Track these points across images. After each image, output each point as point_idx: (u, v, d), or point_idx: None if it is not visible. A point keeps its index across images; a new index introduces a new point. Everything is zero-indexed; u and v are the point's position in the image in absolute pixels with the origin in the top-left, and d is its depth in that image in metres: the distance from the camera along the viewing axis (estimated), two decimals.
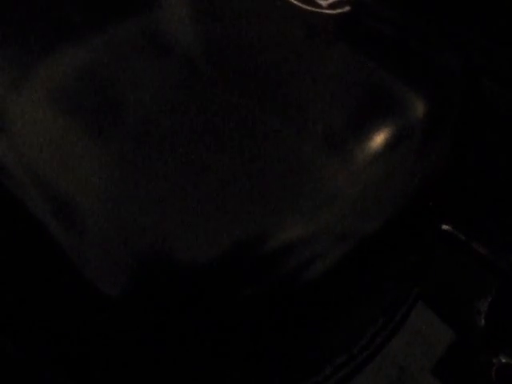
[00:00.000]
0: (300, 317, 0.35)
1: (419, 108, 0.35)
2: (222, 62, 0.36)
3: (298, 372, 0.39)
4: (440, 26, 0.37)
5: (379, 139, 0.34)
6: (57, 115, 0.33)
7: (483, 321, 0.48)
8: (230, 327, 0.33)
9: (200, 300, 0.32)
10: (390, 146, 0.35)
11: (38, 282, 0.34)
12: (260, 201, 0.32)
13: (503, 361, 0.45)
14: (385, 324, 0.41)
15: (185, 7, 0.38)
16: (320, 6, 0.35)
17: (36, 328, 0.36)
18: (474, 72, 0.37)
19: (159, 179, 0.32)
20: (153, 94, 0.34)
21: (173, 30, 0.37)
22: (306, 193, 0.33)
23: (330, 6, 0.35)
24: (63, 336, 0.35)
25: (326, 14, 0.35)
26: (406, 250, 0.39)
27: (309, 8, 0.35)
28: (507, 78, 0.36)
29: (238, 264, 0.32)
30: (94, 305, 0.32)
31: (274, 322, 0.34)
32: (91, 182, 0.32)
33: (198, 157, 0.33)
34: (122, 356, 0.34)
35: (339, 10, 0.35)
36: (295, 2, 0.35)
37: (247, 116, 0.34)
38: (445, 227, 0.46)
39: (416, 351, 0.43)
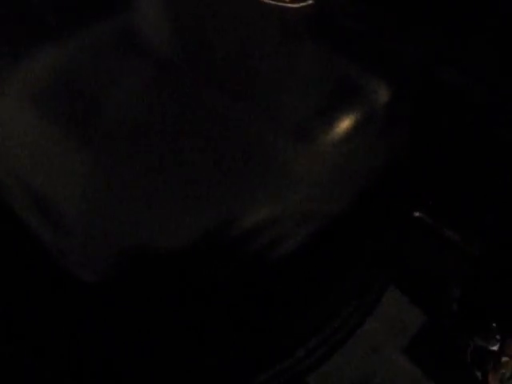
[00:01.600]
0: (270, 299, 0.36)
1: (381, 95, 0.37)
2: (193, 57, 0.37)
3: (271, 355, 0.40)
4: (400, 18, 0.39)
5: (342, 125, 0.36)
6: (35, 117, 0.34)
7: (456, 306, 0.49)
8: (200, 311, 0.34)
9: (173, 283, 0.33)
10: (352, 131, 0.36)
11: (17, 273, 0.35)
12: (227, 186, 0.34)
13: (478, 344, 0.46)
14: (357, 306, 0.42)
15: (158, 7, 0.40)
16: (283, 1, 0.37)
17: (16, 319, 0.37)
18: (432, 60, 0.39)
19: (134, 171, 0.33)
20: (129, 93, 0.35)
21: (147, 30, 0.38)
22: (272, 176, 0.34)
23: (293, 0, 0.37)
24: (43, 326, 0.36)
25: (289, 7, 0.37)
26: (374, 233, 0.40)
27: (272, 2, 0.37)
28: (463, 65, 0.37)
29: (208, 247, 0.33)
30: (73, 292, 0.33)
31: (244, 304, 0.35)
32: (69, 176, 0.33)
33: (170, 149, 0.34)
34: (104, 343, 0.35)
35: (302, 4, 0.37)
36: None
37: (216, 108, 0.35)
38: (417, 214, 0.47)
39: (388, 333, 0.44)
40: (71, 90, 0.35)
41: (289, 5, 0.36)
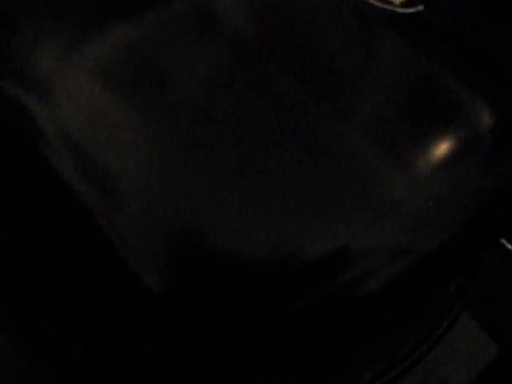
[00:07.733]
0: (347, 328, 0.34)
1: (488, 117, 0.33)
2: (273, 47, 0.34)
3: (338, 379, 0.38)
4: None
5: (443, 148, 0.32)
6: (102, 89, 0.33)
7: None
8: (274, 333, 0.32)
9: (243, 302, 0.31)
10: (454, 156, 0.33)
11: (80, 270, 0.33)
12: (313, 207, 0.31)
13: None
14: (428, 334, 0.40)
15: None
16: (392, 4, 0.33)
17: (74, 317, 0.35)
18: None
19: (204, 163, 0.31)
20: (199, 73, 0.33)
21: (224, 10, 0.35)
22: (364, 203, 0.31)
23: (403, 4, 0.33)
24: (102, 326, 0.34)
25: (398, 12, 0.33)
26: (463, 264, 0.37)
27: (380, 5, 0.33)
28: None
29: (288, 270, 0.31)
30: (136, 297, 0.31)
31: (319, 331, 0.33)
32: (135, 159, 0.31)
33: (245, 142, 0.31)
34: (161, 348, 0.33)
35: (411, 9, 0.33)
36: None
37: (298, 107, 0.32)
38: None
39: (458, 363, 0.42)
40: (141, 65, 0.33)
41: (398, 9, 0.32)
